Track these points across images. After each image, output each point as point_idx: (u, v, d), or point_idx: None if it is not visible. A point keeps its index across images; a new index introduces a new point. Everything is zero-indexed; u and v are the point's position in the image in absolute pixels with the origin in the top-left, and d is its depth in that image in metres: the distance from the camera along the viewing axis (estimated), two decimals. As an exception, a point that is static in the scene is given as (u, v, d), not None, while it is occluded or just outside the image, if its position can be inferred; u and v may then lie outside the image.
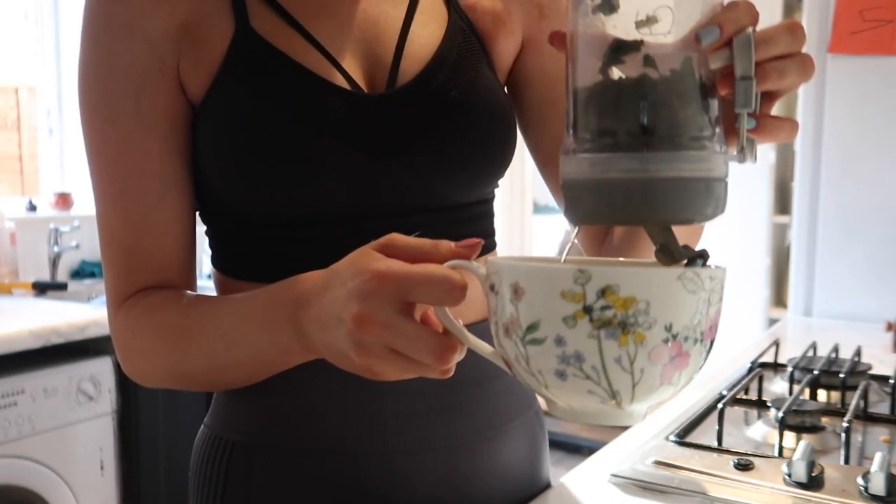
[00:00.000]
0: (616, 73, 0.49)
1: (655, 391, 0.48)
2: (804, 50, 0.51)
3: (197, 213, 0.76)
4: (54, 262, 2.71)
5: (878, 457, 0.82)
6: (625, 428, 0.98)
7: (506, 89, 0.83)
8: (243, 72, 0.70)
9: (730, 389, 1.10)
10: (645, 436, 1.00)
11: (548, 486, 0.86)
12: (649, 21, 0.49)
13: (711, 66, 0.49)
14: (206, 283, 0.96)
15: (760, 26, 0.50)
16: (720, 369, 1.37)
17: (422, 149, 0.72)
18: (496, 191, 0.82)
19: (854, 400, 1.02)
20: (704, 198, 0.49)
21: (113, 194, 0.72)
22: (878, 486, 0.79)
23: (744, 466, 0.87)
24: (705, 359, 0.50)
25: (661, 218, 0.49)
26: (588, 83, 0.50)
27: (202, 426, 0.80)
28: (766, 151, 3.16)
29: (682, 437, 0.98)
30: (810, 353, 1.33)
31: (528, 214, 4.28)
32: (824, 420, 1.01)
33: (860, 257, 1.91)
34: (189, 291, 0.74)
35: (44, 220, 2.74)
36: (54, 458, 1.94)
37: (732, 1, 0.49)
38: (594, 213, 0.50)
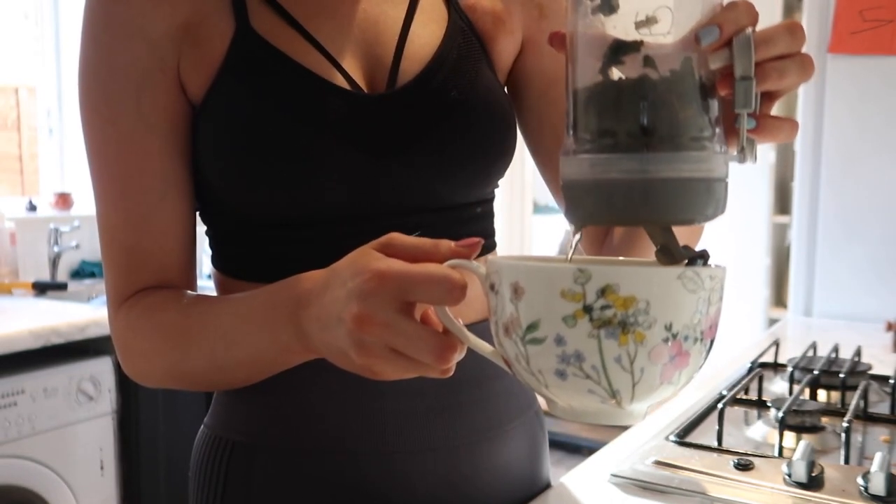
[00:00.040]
0: (616, 73, 0.49)
1: (655, 390, 0.48)
2: (804, 50, 0.51)
3: (197, 213, 0.76)
4: (54, 262, 2.72)
5: (878, 457, 0.82)
6: (625, 428, 0.98)
7: (506, 89, 0.83)
8: (243, 72, 0.70)
9: (730, 389, 1.10)
10: (645, 436, 1.00)
11: (548, 486, 0.86)
12: (649, 21, 0.49)
13: (711, 67, 0.49)
14: (206, 283, 0.96)
15: (760, 26, 0.50)
16: (720, 369, 1.37)
17: (422, 149, 0.72)
18: (496, 191, 0.82)
19: (854, 400, 1.02)
20: (705, 198, 0.49)
21: (113, 194, 0.72)
22: (878, 486, 0.79)
23: (744, 466, 0.87)
24: (705, 358, 0.50)
25: (661, 218, 0.49)
26: (588, 84, 0.50)
27: (202, 426, 0.80)
28: (766, 151, 3.16)
29: (682, 437, 0.98)
30: (810, 353, 1.33)
31: (528, 214, 4.28)
32: (824, 420, 1.01)
33: (860, 257, 1.91)
34: (189, 291, 0.74)
35: (44, 220, 2.74)
36: (54, 458, 1.94)
37: (732, 1, 0.49)
38: (594, 214, 0.51)
